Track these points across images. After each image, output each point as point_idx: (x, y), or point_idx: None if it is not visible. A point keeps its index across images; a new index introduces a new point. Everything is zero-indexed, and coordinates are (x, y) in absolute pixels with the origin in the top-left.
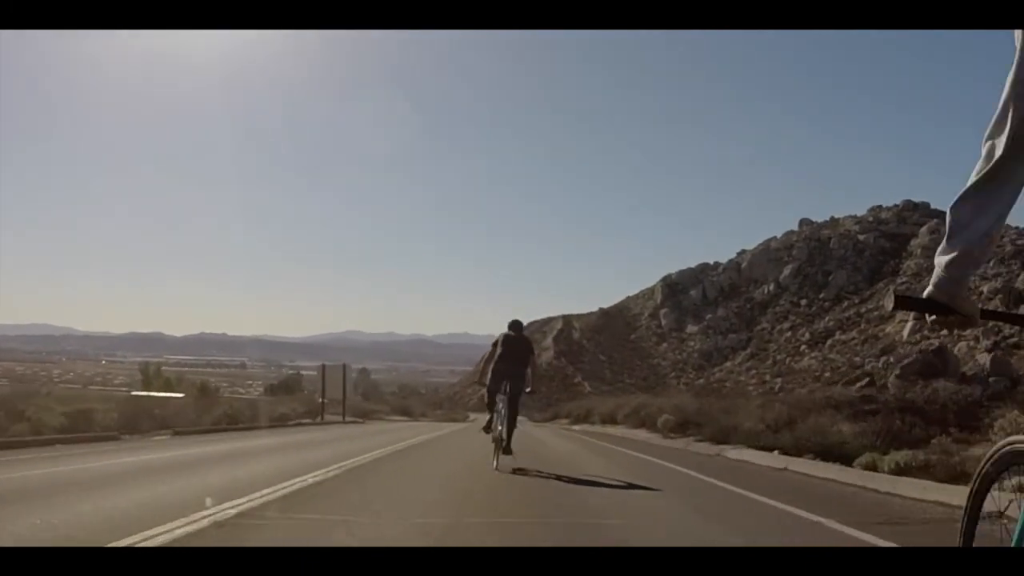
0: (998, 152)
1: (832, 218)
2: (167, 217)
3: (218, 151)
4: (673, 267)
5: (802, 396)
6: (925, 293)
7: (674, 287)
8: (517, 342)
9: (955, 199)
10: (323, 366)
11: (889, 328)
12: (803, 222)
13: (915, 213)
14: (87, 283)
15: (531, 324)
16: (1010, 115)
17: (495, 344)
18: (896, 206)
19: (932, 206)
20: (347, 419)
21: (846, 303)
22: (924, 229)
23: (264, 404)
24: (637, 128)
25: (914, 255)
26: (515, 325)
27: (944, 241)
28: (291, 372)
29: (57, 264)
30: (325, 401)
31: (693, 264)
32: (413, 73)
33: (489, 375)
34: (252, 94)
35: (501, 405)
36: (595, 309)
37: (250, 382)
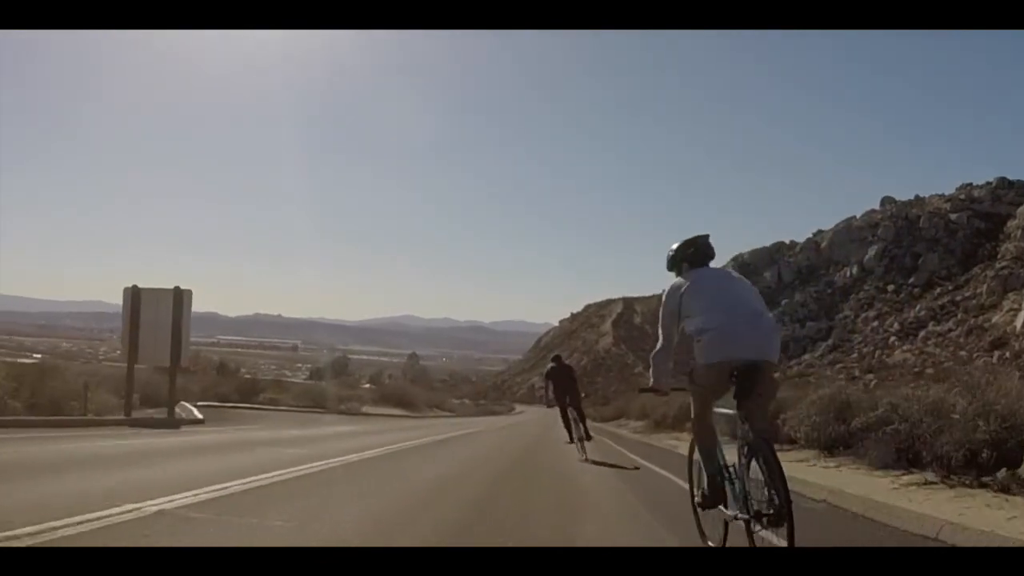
0: (662, 337)
1: (917, 197)
2: (226, 199)
3: (280, 135)
4: (744, 246)
5: None
6: (650, 385)
7: (745, 268)
8: (562, 370)
9: (653, 351)
10: (132, 290)
11: (996, 318)
12: (885, 200)
13: (1011, 191)
14: (144, 262)
15: (588, 308)
16: (661, 318)
17: (546, 376)
18: (989, 184)
19: None
20: (188, 416)
21: (939, 290)
22: (1023, 209)
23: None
24: (702, 103)
25: (1013, 237)
26: (556, 358)
27: (651, 367)
28: (338, 355)
29: (114, 242)
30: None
31: (766, 243)
32: (474, 63)
33: (553, 400)
34: (316, 83)
35: (571, 417)
36: (658, 291)
37: (299, 365)
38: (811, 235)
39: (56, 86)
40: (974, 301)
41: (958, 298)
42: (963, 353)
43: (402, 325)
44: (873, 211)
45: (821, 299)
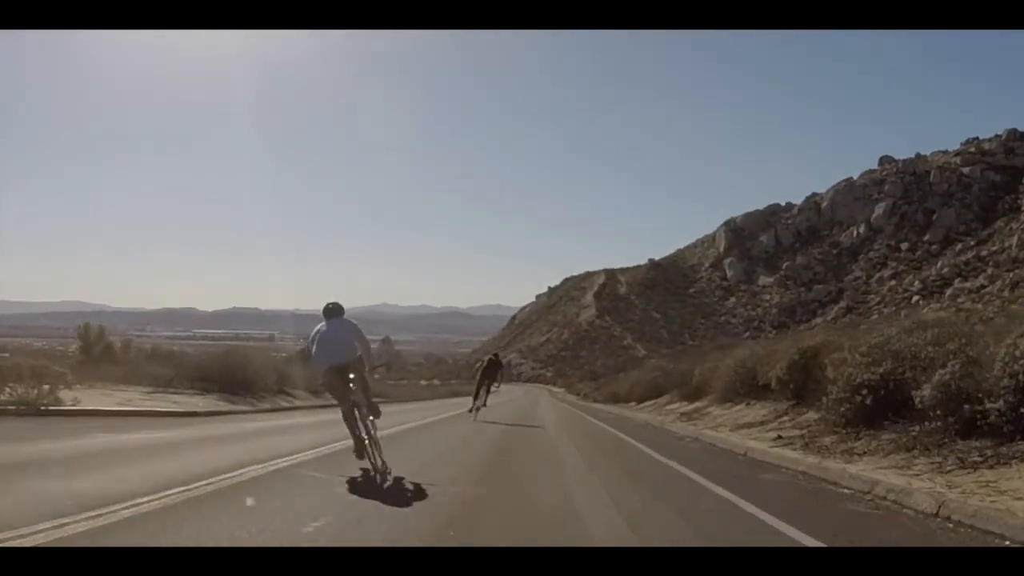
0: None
1: (918, 154)
2: (200, 194)
3: (250, 130)
4: (736, 210)
5: None
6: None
7: (739, 233)
8: (494, 363)
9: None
10: None
11: None
12: (884, 159)
13: None
14: (123, 261)
15: (567, 281)
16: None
17: (480, 362)
18: (999, 136)
19: None
20: None
21: (959, 245)
22: None
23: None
24: (685, 63)
25: None
26: (494, 355)
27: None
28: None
29: (92, 243)
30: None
31: (760, 206)
32: (439, 53)
33: (478, 380)
34: (280, 76)
35: (483, 393)
36: (644, 261)
37: (274, 354)
38: (807, 196)
39: (23, 85)
40: (1003, 255)
41: (984, 253)
42: (1015, 307)
43: (381, 313)
44: (873, 170)
45: (827, 260)
